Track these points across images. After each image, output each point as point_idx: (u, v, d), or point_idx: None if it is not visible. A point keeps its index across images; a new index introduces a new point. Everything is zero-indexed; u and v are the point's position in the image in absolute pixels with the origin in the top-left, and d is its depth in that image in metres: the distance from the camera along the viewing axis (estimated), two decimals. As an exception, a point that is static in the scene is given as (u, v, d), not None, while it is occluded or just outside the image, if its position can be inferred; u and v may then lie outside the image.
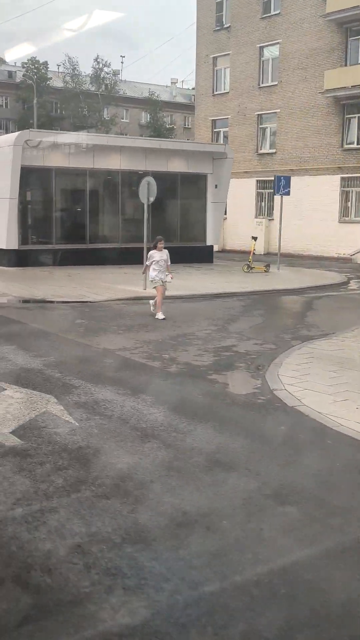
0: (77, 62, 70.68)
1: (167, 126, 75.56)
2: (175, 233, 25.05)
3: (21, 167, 20.78)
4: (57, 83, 70.82)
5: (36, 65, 69.61)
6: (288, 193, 22.44)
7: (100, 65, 73.28)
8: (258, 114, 32.58)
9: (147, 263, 13.12)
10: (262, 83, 32.33)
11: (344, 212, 29.29)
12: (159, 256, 12.85)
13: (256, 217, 32.66)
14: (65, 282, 18.27)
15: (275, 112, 31.69)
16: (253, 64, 32.49)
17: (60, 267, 22.09)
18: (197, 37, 35.48)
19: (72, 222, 23.37)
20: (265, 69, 32.20)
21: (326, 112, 29.31)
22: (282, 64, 31.06)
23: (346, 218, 29.24)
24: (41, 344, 10.21)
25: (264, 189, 32.61)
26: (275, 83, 31.54)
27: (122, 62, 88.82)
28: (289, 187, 22.37)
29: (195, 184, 25.29)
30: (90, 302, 15.17)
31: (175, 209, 25.03)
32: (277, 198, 31.13)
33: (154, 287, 12.83)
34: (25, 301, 15.09)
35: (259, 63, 32.30)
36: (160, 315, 12.57)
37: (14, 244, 21.73)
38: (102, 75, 73.27)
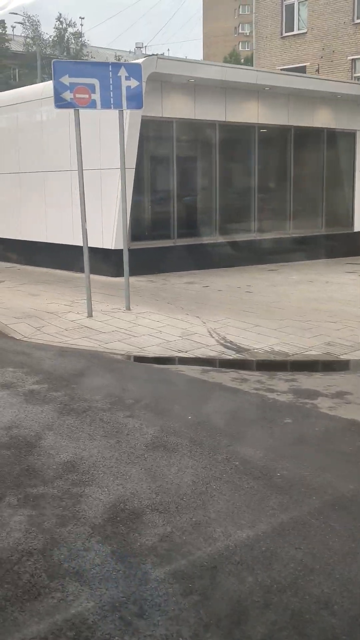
0: (39, 22, 61.12)
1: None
2: (319, 216, 17.67)
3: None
4: (14, 47, 61.40)
5: (-8, 25, 59.77)
6: None
7: (64, 25, 64.31)
8: (353, 59, 25.33)
9: None
10: (359, 18, 25.06)
11: None
12: None
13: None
14: (280, 310, 10.69)
15: (380, 56, 24.54)
16: (344, -6, 25.16)
17: (188, 273, 14.47)
18: (255, -36, 27.84)
19: (195, 204, 15.62)
20: (362, 0, 24.93)
21: None
22: (390, -9, 23.88)
23: None
24: None
25: None
26: (380, 17, 24.35)
27: (81, 25, 78.93)
28: None
29: (340, 145, 17.89)
30: None
31: (318, 182, 17.59)
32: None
33: None
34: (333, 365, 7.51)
35: (353, -8, 24.99)
36: None
37: (122, 242, 13.86)
38: (66, 37, 64.32)
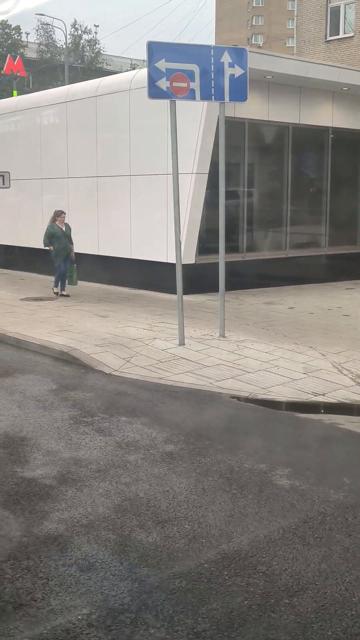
0: (53, 30, 59.93)
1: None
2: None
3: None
4: (28, 54, 60.16)
5: (7, 31, 58.62)
6: None
7: (79, 32, 63.15)
8: None
9: None
10: None
11: None
12: None
13: None
14: None
15: None
16: (395, -5, 23.81)
17: (259, 290, 13.00)
18: (297, -36, 26.53)
19: (265, 215, 14.11)
20: None
21: None
22: None
23: None
24: None
25: None
26: None
27: (96, 33, 77.70)
28: None
29: None
30: None
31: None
32: None
33: None
34: None
35: None
36: None
37: (191, 255, 12.42)
38: (81, 44, 63.14)
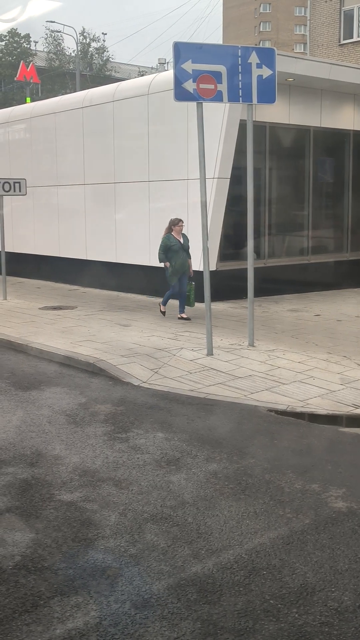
0: (62, 38, 60.00)
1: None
2: None
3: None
4: (38, 62, 60.20)
5: (16, 39, 58.69)
6: None
7: (88, 40, 63.15)
8: None
9: None
10: None
11: None
12: None
13: None
14: None
15: None
16: None
17: (279, 297, 12.72)
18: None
19: (287, 221, 13.83)
20: None
21: None
22: None
23: None
24: None
25: None
26: None
27: (104, 41, 77.77)
28: None
29: None
30: None
31: None
32: None
33: None
34: None
35: None
36: None
37: (212, 262, 12.11)
38: (89, 53, 63.17)
